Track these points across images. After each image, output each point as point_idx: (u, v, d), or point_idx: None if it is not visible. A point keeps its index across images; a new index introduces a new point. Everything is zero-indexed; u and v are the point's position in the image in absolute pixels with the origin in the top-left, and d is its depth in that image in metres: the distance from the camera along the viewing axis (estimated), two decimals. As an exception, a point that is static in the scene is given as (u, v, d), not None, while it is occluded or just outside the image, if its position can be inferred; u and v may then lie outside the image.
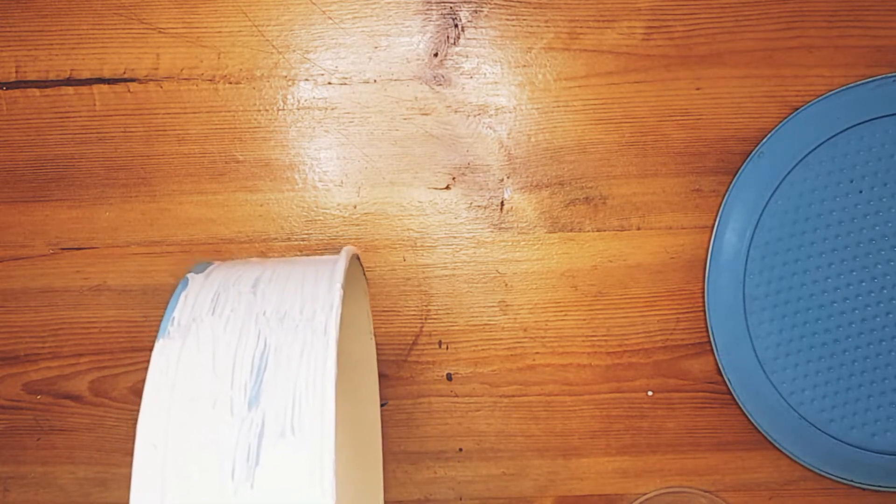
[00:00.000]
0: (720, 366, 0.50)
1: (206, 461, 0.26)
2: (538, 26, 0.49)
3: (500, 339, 0.51)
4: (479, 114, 0.49)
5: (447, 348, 0.51)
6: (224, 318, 0.30)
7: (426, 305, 0.51)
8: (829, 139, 0.48)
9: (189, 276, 0.33)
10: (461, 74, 0.49)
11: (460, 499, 0.52)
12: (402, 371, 0.51)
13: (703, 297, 0.50)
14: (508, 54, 0.49)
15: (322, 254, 0.50)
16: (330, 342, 0.28)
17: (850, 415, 0.49)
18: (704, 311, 0.50)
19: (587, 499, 0.52)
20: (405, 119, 0.50)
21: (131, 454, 0.51)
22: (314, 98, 0.49)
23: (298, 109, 0.50)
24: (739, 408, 0.50)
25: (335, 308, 0.30)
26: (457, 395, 0.51)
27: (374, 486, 0.47)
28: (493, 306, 0.51)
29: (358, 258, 0.42)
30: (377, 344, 0.51)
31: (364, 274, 0.44)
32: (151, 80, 0.49)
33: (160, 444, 0.26)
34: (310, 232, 0.50)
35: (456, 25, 0.49)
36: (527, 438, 0.52)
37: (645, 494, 0.51)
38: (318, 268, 0.32)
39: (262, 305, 0.31)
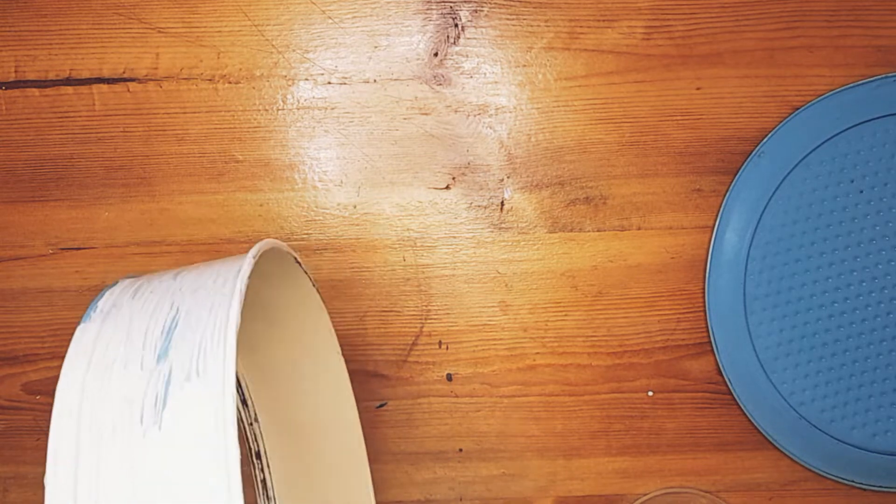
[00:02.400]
0: (721, 366, 0.50)
1: (118, 414, 0.27)
2: (538, 26, 0.49)
3: (501, 339, 0.51)
4: (480, 113, 0.49)
5: (447, 348, 0.51)
6: (143, 300, 0.31)
7: (426, 305, 0.51)
8: (829, 139, 0.48)
9: (120, 280, 0.34)
10: (461, 74, 0.49)
11: (460, 499, 0.52)
12: (402, 371, 0.51)
13: (704, 297, 0.50)
14: (508, 54, 0.49)
15: (322, 254, 0.50)
16: (235, 295, 0.29)
17: (851, 415, 0.49)
18: (705, 311, 0.50)
19: (587, 499, 0.52)
20: (405, 119, 0.50)
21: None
22: (314, 98, 0.49)
23: (298, 109, 0.49)
24: (740, 408, 0.50)
25: (243, 270, 0.30)
26: (457, 396, 0.51)
27: (362, 489, 0.48)
28: (494, 306, 0.51)
29: (309, 275, 0.42)
30: (376, 344, 0.51)
31: (318, 290, 0.44)
32: (151, 79, 0.49)
33: (75, 411, 0.27)
34: (309, 232, 0.50)
35: (456, 25, 0.49)
36: (527, 439, 0.52)
37: (645, 495, 0.51)
38: (240, 256, 0.33)
39: (179, 285, 0.32)
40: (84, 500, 0.26)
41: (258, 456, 0.47)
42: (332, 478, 0.47)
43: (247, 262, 0.31)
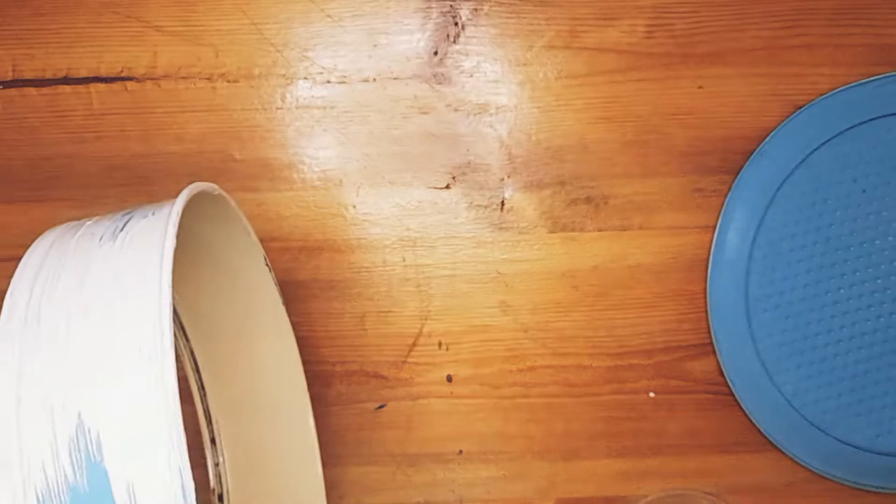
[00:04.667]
0: (722, 367, 0.50)
1: (78, 244, 0.33)
2: (539, 24, 0.49)
3: (501, 339, 0.51)
4: (480, 112, 0.49)
5: (447, 349, 0.51)
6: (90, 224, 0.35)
7: (426, 305, 0.51)
8: (831, 138, 0.48)
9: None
10: (461, 73, 0.49)
11: (460, 501, 0.52)
12: (401, 372, 0.51)
13: (705, 297, 0.50)
14: (509, 52, 0.49)
15: (321, 254, 0.50)
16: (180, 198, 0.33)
17: (854, 416, 0.49)
18: (706, 311, 0.50)
19: (588, 501, 0.52)
20: (405, 118, 0.49)
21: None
22: (313, 97, 0.49)
23: (297, 108, 0.49)
24: (741, 409, 0.50)
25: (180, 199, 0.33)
26: (457, 397, 0.51)
27: (313, 488, 0.48)
28: (494, 307, 0.51)
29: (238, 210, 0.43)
30: (376, 345, 0.51)
31: (266, 259, 0.44)
32: (149, 78, 0.49)
33: (36, 266, 0.33)
34: (309, 232, 0.50)
35: (456, 23, 0.49)
36: (527, 440, 0.51)
37: (646, 497, 0.51)
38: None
39: (123, 212, 0.36)
40: (38, 293, 0.31)
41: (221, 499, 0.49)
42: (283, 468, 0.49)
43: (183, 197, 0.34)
